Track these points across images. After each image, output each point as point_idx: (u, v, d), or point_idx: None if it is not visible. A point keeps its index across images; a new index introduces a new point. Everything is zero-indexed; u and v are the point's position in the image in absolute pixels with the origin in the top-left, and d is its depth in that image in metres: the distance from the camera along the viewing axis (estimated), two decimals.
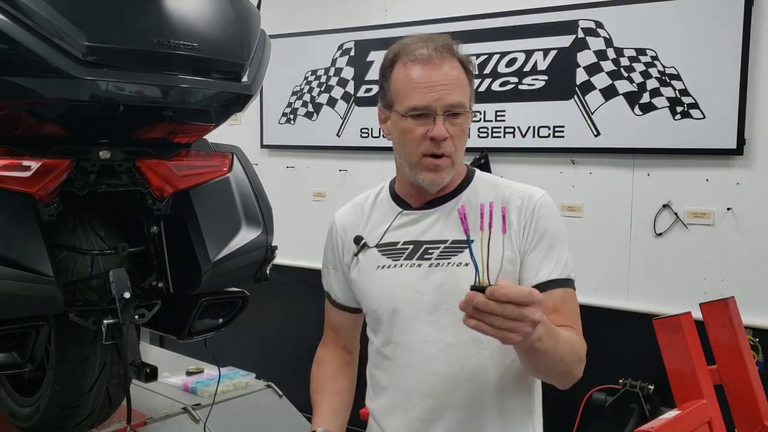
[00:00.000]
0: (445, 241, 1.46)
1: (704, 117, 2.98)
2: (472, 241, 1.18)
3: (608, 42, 3.17)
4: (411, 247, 1.48)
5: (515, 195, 1.48)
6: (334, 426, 1.57)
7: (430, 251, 1.46)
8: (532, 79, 3.38)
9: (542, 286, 1.39)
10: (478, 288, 1.15)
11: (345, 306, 1.63)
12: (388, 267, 1.49)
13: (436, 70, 1.40)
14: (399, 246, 1.49)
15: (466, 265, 1.41)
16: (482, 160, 3.49)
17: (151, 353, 3.01)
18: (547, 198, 1.50)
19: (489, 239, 1.17)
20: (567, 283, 1.44)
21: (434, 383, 1.44)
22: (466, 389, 1.44)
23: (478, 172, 1.56)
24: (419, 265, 1.46)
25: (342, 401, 1.62)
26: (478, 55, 3.53)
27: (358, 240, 1.54)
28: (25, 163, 1.56)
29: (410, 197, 1.53)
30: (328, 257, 1.63)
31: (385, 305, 1.49)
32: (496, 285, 1.14)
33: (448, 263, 1.44)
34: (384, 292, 1.49)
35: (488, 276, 1.16)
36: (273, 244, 1.94)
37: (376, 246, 1.52)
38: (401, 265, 1.48)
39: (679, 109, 3.03)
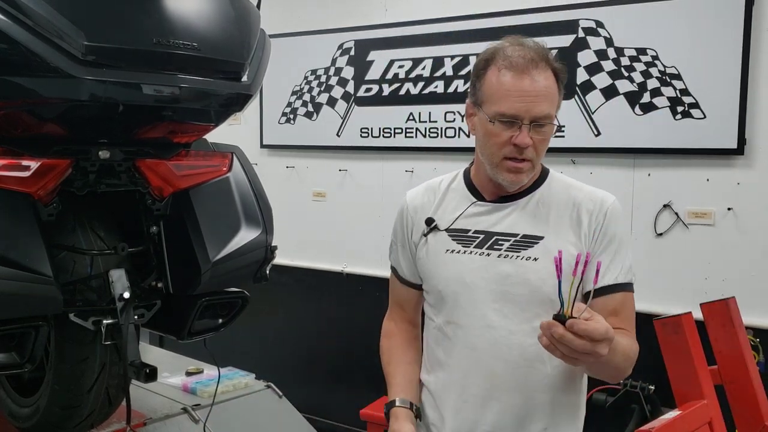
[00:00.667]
0: (516, 235, 1.54)
1: (705, 117, 2.98)
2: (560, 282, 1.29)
3: (609, 42, 3.17)
4: (482, 236, 1.56)
5: (587, 198, 1.55)
6: (412, 395, 1.64)
7: (500, 242, 1.55)
8: None
9: (607, 289, 1.51)
10: (559, 318, 1.26)
11: (411, 282, 1.71)
12: (458, 252, 1.58)
13: (528, 80, 1.45)
14: (470, 234, 1.58)
15: (535, 260, 1.51)
16: None
17: (150, 353, 3.00)
18: (617, 204, 1.57)
19: (579, 284, 1.29)
20: (628, 287, 1.55)
21: (493, 366, 1.53)
22: (523, 375, 1.53)
23: (552, 171, 1.63)
24: (488, 255, 1.54)
25: (416, 372, 1.69)
26: (478, 55, 3.52)
27: (429, 222, 1.62)
28: (25, 162, 1.56)
29: (485, 189, 1.60)
30: (398, 234, 1.71)
31: (451, 287, 1.57)
32: (577, 320, 1.24)
33: (518, 256, 1.53)
34: (451, 275, 1.57)
35: (572, 310, 1.26)
36: (273, 244, 1.93)
37: (447, 230, 1.60)
38: (471, 252, 1.56)
39: (679, 108, 3.03)
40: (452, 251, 1.58)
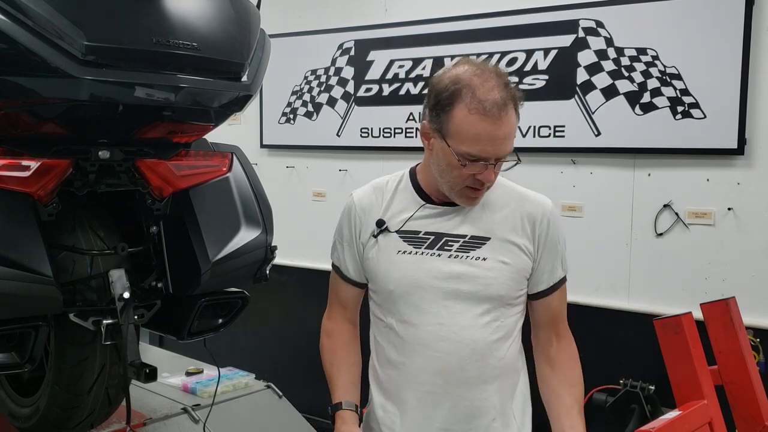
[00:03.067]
0: (464, 236, 1.61)
1: (705, 117, 2.98)
2: None
3: (609, 41, 3.17)
4: (432, 237, 1.62)
5: (528, 202, 1.65)
6: (355, 397, 1.67)
7: (450, 243, 1.61)
8: (533, 79, 3.38)
9: (552, 288, 1.66)
10: None
11: (355, 281, 1.74)
12: (409, 253, 1.63)
13: (499, 127, 1.49)
14: (421, 235, 1.63)
15: (484, 259, 1.59)
16: None
17: (150, 354, 3.00)
18: (554, 207, 1.68)
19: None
20: (565, 278, 1.69)
21: (446, 362, 1.59)
22: (475, 369, 1.60)
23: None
24: (439, 255, 1.61)
25: (358, 373, 1.73)
26: (478, 55, 3.52)
27: (380, 223, 1.66)
28: (25, 162, 1.55)
29: (434, 194, 1.66)
30: (344, 234, 1.74)
31: (403, 287, 1.62)
32: None
33: (467, 256, 1.60)
34: (403, 275, 1.62)
35: None
36: (273, 244, 1.93)
37: (398, 232, 1.65)
38: (422, 253, 1.62)
39: (679, 108, 3.03)
40: (403, 252, 1.63)
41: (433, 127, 1.56)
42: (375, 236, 1.66)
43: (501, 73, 1.53)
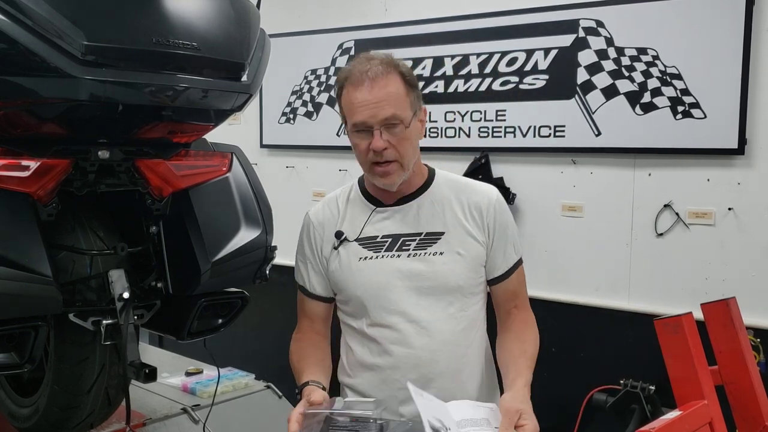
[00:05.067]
0: (419, 234, 1.69)
1: (705, 117, 2.97)
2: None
3: (609, 41, 3.17)
4: (390, 240, 1.70)
5: (474, 192, 1.73)
6: (323, 380, 1.69)
7: (407, 243, 1.69)
8: (533, 79, 3.38)
9: (508, 273, 1.73)
10: None
11: (321, 296, 1.81)
12: (370, 258, 1.70)
13: (367, 90, 1.59)
14: (378, 239, 1.70)
15: (441, 254, 1.67)
16: (483, 159, 3.48)
17: (150, 354, 3.00)
18: (500, 194, 1.76)
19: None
20: (520, 261, 1.77)
21: (420, 356, 1.66)
22: (446, 359, 1.67)
23: (438, 170, 1.78)
24: (399, 256, 1.68)
25: (327, 368, 1.76)
26: (478, 55, 3.52)
27: (339, 234, 1.73)
28: (24, 162, 1.55)
29: (381, 196, 1.73)
30: (305, 252, 1.81)
31: (370, 291, 1.69)
32: None
33: (425, 253, 1.68)
34: (367, 280, 1.69)
35: None
36: (272, 244, 1.93)
37: (357, 240, 1.72)
38: (382, 256, 1.69)
39: (680, 108, 3.03)
40: (365, 258, 1.70)
41: (342, 121, 1.68)
42: (336, 248, 1.73)
43: (389, 60, 1.64)
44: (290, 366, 1.79)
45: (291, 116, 4.29)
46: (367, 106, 1.58)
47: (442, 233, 1.68)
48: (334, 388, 1.79)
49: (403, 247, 1.68)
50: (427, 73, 3.67)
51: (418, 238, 1.68)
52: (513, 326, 1.74)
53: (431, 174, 1.76)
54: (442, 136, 3.65)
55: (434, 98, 3.65)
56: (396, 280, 1.67)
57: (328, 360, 1.78)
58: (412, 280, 1.67)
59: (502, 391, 1.69)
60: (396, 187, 1.68)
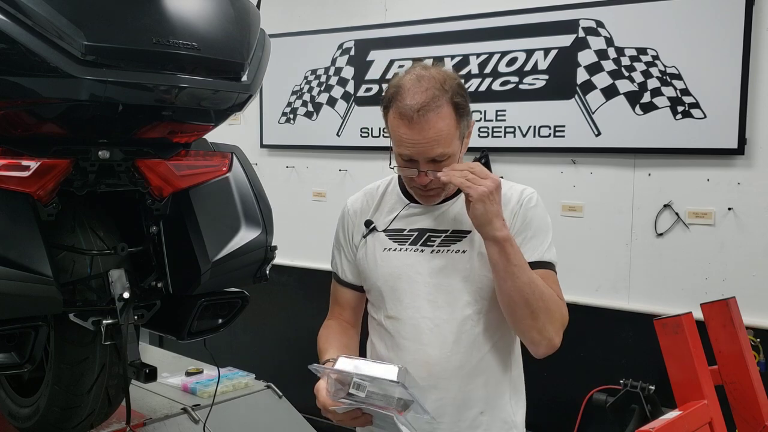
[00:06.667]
0: (446, 231, 1.67)
1: (705, 117, 2.97)
2: None
3: (609, 41, 3.17)
4: (416, 234, 1.68)
5: (508, 191, 1.66)
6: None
7: (432, 239, 1.66)
8: (533, 79, 3.38)
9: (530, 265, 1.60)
10: None
11: (352, 284, 1.80)
12: (394, 249, 1.69)
13: (417, 129, 1.53)
14: (405, 232, 1.69)
15: (464, 252, 1.64)
16: (483, 159, 3.49)
17: (150, 354, 3.00)
18: (534, 194, 1.69)
19: None
20: (546, 265, 1.64)
21: (429, 355, 1.62)
22: (458, 362, 1.62)
23: None
24: (422, 251, 1.66)
25: (351, 350, 1.73)
26: (478, 55, 3.52)
27: (368, 224, 1.74)
28: (24, 162, 1.55)
29: None
30: (339, 239, 1.81)
31: (389, 283, 1.67)
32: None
33: (448, 250, 1.65)
34: (388, 271, 1.68)
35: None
36: (273, 244, 1.93)
37: (384, 231, 1.71)
38: (407, 249, 1.68)
39: (680, 108, 3.03)
40: (389, 249, 1.69)
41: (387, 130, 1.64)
42: (365, 236, 1.74)
43: (443, 78, 1.56)
44: (317, 350, 1.75)
45: (291, 116, 4.29)
46: (415, 145, 1.54)
47: (469, 232, 1.64)
48: None
49: (428, 243, 1.66)
50: None
51: (444, 234, 1.66)
52: None
53: None
54: None
55: None
56: (415, 274, 1.65)
57: (353, 346, 1.76)
58: (432, 276, 1.64)
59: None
60: (435, 203, 1.67)
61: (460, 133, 1.59)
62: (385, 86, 1.68)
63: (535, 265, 1.60)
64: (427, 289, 1.64)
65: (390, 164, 1.66)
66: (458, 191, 1.67)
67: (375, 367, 1.46)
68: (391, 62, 3.80)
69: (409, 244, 1.67)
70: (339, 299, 1.83)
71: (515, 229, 1.63)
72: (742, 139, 2.90)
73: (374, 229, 1.72)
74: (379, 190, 1.79)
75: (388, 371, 1.43)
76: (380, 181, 1.81)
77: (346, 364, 1.48)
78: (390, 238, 1.70)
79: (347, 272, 1.79)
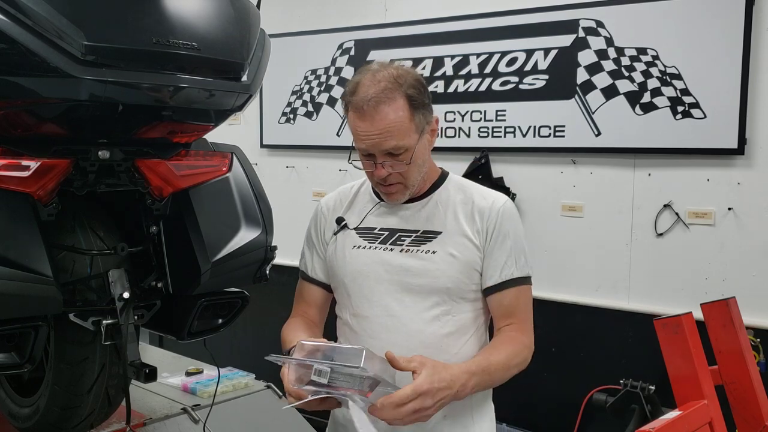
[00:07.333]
0: (417, 231, 1.68)
1: (705, 117, 2.98)
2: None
3: (609, 41, 3.17)
4: (387, 233, 1.69)
5: (480, 197, 1.68)
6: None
7: (403, 238, 1.67)
8: (533, 79, 3.38)
9: (502, 285, 1.63)
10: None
11: (321, 281, 1.80)
12: (364, 247, 1.70)
13: (368, 122, 1.56)
14: (376, 231, 1.71)
15: (434, 252, 1.64)
16: (483, 159, 3.49)
17: (150, 354, 3.00)
18: (510, 204, 1.70)
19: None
20: (524, 280, 1.66)
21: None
22: None
23: (451, 175, 1.76)
24: (392, 249, 1.67)
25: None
26: (478, 55, 3.52)
27: (339, 221, 1.75)
28: (24, 162, 1.55)
29: None
30: (311, 236, 1.82)
31: (357, 280, 1.68)
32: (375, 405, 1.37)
33: (418, 250, 1.65)
34: (357, 268, 1.68)
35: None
36: (273, 244, 1.93)
37: (356, 229, 1.72)
38: (376, 248, 1.68)
39: (680, 108, 3.03)
40: (358, 246, 1.70)
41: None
42: (335, 233, 1.75)
43: (398, 73, 1.59)
44: (281, 343, 1.74)
45: (291, 116, 4.29)
46: (369, 137, 1.57)
47: (439, 233, 1.65)
48: None
49: (398, 242, 1.67)
50: (427, 73, 3.67)
51: (414, 234, 1.67)
52: (497, 337, 1.65)
53: (442, 177, 1.74)
54: (442, 136, 3.65)
55: (434, 98, 3.58)
56: (383, 272, 1.65)
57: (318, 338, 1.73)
58: (400, 275, 1.64)
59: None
60: (402, 202, 1.68)
61: (417, 127, 1.60)
62: None
63: (513, 282, 1.63)
64: (394, 288, 1.64)
65: (349, 159, 1.68)
66: (429, 191, 1.70)
67: (337, 350, 1.41)
68: (391, 62, 3.79)
69: (379, 243, 1.68)
70: (305, 296, 1.83)
71: (490, 237, 1.63)
72: (742, 139, 2.90)
73: (345, 226, 1.73)
74: (353, 189, 1.80)
75: (349, 356, 1.38)
76: (356, 181, 1.83)
77: (308, 348, 1.43)
78: (360, 236, 1.71)
79: (317, 269, 1.79)
